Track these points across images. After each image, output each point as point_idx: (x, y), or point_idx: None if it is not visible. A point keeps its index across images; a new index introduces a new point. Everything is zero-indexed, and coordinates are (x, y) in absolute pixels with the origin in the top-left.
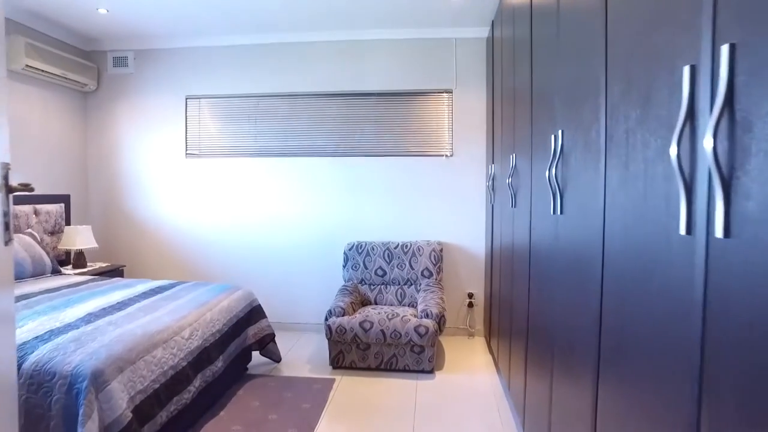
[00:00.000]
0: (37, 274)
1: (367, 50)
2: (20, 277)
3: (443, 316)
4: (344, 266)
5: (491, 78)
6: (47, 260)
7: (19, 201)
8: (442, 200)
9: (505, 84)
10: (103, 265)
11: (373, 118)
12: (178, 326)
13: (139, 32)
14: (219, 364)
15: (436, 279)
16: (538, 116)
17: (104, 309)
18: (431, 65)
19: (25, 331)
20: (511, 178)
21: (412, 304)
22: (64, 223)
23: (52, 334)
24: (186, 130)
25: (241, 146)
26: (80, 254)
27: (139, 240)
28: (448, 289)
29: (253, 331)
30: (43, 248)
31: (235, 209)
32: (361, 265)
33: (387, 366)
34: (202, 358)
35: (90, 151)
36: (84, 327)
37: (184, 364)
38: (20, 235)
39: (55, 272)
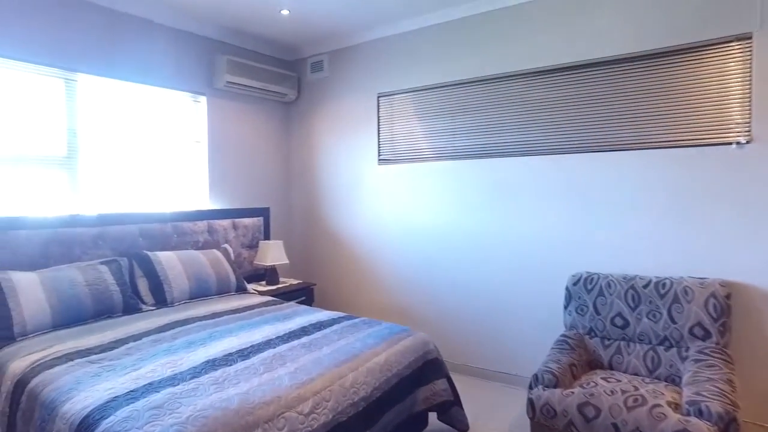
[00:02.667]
0: (222, 292)
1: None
2: (205, 295)
3: (734, 419)
4: (566, 307)
5: None
6: (233, 278)
7: (219, 215)
8: (728, 214)
9: None
10: (294, 282)
11: (606, 96)
12: (294, 396)
13: (327, 31)
14: None
15: (717, 343)
16: None
17: (229, 355)
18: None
19: (131, 380)
20: None
21: (672, 379)
22: (262, 237)
23: (149, 389)
24: (378, 133)
25: (436, 148)
26: (273, 270)
27: (332, 256)
28: (741, 362)
29: (424, 395)
30: (231, 265)
31: (429, 224)
32: (591, 308)
33: None
34: None
35: (291, 163)
36: (185, 383)
37: None
38: (213, 251)
39: (240, 290)
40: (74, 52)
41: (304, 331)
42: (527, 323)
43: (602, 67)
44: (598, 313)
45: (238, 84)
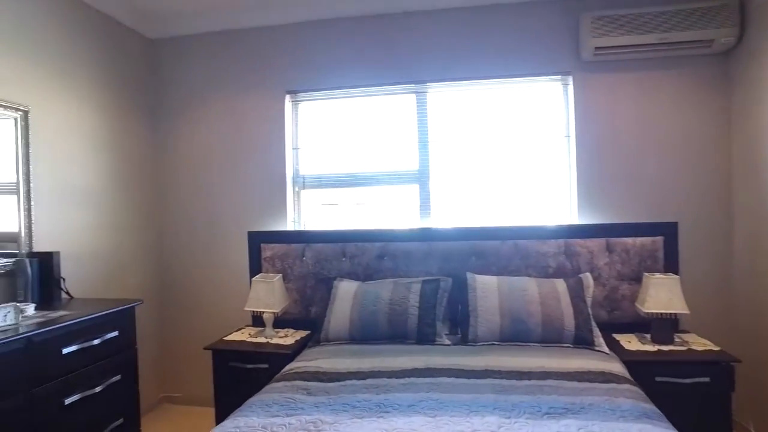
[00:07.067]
0: (549, 340)
1: None
2: (522, 339)
3: None
4: None
5: None
6: (569, 323)
7: (585, 233)
8: None
9: None
10: (699, 347)
11: None
12: None
13: None
14: None
15: None
16: None
17: None
18: None
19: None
20: None
21: None
22: (661, 266)
23: None
24: None
25: None
26: (665, 321)
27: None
28: None
29: None
30: (577, 304)
31: None
32: None
33: None
34: None
35: (729, 151)
36: None
37: None
38: (554, 281)
39: (582, 343)
40: (422, 63)
41: None
42: None
43: None
44: None
45: (614, 47)
